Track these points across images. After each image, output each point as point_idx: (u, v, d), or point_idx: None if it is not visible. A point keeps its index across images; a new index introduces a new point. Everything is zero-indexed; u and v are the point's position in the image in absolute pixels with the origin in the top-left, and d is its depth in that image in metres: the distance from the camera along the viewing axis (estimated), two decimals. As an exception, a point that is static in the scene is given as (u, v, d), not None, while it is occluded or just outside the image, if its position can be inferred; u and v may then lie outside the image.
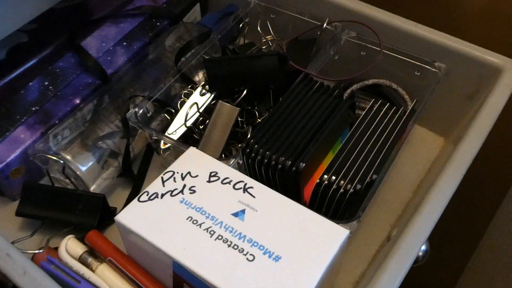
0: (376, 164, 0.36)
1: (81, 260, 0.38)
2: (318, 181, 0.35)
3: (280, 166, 0.36)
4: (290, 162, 0.36)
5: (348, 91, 0.49)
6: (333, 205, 0.36)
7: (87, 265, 0.37)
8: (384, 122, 0.40)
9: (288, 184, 0.37)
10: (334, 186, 0.35)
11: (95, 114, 0.47)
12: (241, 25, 0.53)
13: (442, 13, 0.59)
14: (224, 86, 0.47)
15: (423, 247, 0.45)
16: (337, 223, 0.33)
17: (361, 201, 0.36)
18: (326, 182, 0.35)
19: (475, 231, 0.71)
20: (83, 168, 0.44)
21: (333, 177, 0.35)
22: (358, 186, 0.35)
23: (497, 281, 0.68)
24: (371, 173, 0.36)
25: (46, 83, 0.49)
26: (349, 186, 0.35)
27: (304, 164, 0.35)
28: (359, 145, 0.38)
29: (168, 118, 0.48)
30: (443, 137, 0.52)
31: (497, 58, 0.45)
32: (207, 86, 0.48)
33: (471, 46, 0.46)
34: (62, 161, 0.43)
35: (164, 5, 0.58)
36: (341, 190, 0.35)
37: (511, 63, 0.45)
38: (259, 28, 0.53)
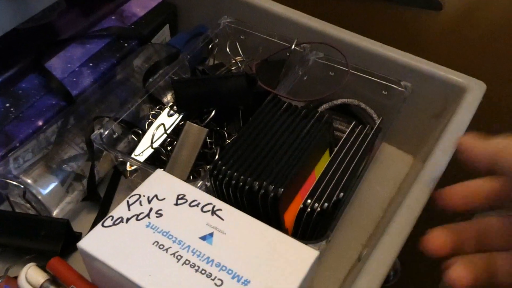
0: (343, 182, 0.36)
1: (42, 289, 0.36)
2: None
3: (247, 187, 0.35)
4: (267, 185, 0.35)
5: (321, 109, 0.49)
6: (301, 225, 0.35)
7: (49, 295, 0.35)
8: (351, 140, 0.40)
9: (258, 206, 0.36)
10: (301, 206, 0.34)
11: (59, 136, 0.45)
12: (210, 46, 0.53)
13: (407, 34, 0.60)
14: (193, 106, 0.47)
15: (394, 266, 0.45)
16: (306, 243, 0.32)
17: (330, 220, 0.35)
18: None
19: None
20: (45, 192, 0.42)
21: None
22: (325, 205, 0.34)
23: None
24: (337, 191, 0.35)
25: (7, 104, 0.47)
26: (316, 205, 0.34)
27: (282, 189, 0.35)
28: (325, 164, 0.38)
29: (135, 139, 0.47)
30: (411, 155, 0.53)
31: (461, 78, 0.46)
32: (175, 107, 0.48)
33: (435, 66, 0.47)
34: (22, 186, 0.41)
35: (133, 26, 0.57)
36: (308, 210, 0.34)
37: (475, 82, 0.46)
38: (228, 49, 0.53)
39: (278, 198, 0.34)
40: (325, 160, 0.40)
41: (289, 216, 0.36)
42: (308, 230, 0.35)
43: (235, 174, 0.36)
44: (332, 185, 0.36)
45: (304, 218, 0.35)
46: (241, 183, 0.36)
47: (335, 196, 0.35)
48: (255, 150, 0.38)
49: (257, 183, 0.35)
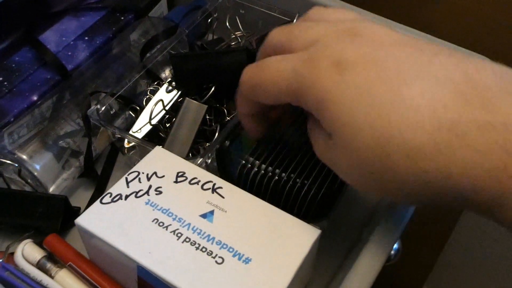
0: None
1: (39, 266, 0.36)
2: (291, 183, 0.34)
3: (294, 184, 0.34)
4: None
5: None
6: (304, 205, 0.35)
7: (46, 271, 0.35)
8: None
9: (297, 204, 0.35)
10: (306, 188, 0.34)
11: (54, 111, 0.44)
12: (209, 20, 0.52)
13: (418, 12, 0.59)
14: (192, 82, 0.46)
15: (395, 246, 0.45)
16: (308, 222, 0.32)
17: (331, 200, 0.35)
18: (299, 184, 0.34)
19: (444, 227, 0.73)
20: (41, 168, 0.42)
21: (305, 180, 0.34)
22: (329, 188, 0.34)
23: (465, 275, 0.69)
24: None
25: (1, 78, 0.46)
26: (320, 187, 0.34)
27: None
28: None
29: (133, 115, 0.46)
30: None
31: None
32: (173, 83, 0.46)
33: (440, 42, 0.46)
34: (16, 165, 0.40)
35: (129, -1, 0.56)
36: (313, 191, 0.34)
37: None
38: (228, 24, 0.52)
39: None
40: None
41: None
42: (311, 210, 0.35)
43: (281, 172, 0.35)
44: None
45: (307, 200, 0.34)
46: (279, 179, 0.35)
47: (340, 178, 0.34)
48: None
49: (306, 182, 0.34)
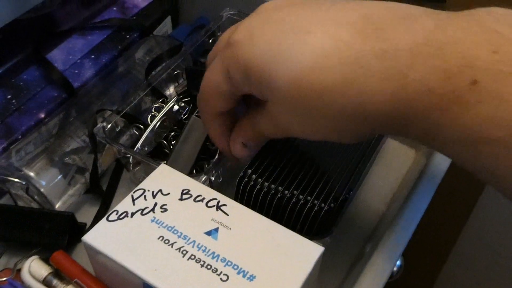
0: (351, 179, 0.36)
1: (45, 282, 0.36)
2: (294, 200, 0.35)
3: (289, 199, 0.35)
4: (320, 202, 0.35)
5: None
6: (307, 222, 0.35)
7: (52, 288, 0.35)
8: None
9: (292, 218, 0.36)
10: (309, 205, 0.34)
11: (61, 128, 0.45)
12: (211, 40, 0.53)
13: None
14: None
15: (398, 262, 0.45)
16: (311, 239, 0.32)
17: (334, 216, 0.35)
18: (303, 201, 0.35)
19: (447, 241, 0.73)
20: (47, 185, 0.42)
21: (308, 197, 0.35)
22: (332, 205, 0.34)
23: (468, 290, 0.69)
24: (345, 189, 0.35)
25: (9, 96, 0.47)
26: (323, 204, 0.34)
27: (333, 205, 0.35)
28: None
29: (137, 133, 0.47)
30: (414, 149, 0.53)
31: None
32: (179, 102, 0.47)
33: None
34: (24, 182, 0.41)
35: (134, 18, 0.57)
36: (316, 208, 0.34)
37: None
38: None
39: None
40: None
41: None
42: (314, 227, 0.35)
43: (275, 186, 0.36)
44: (339, 182, 0.36)
45: (310, 217, 0.35)
46: (279, 194, 0.35)
47: (343, 195, 0.35)
48: (283, 157, 0.38)
49: (307, 197, 0.35)
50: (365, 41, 0.25)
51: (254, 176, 0.36)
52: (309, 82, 0.26)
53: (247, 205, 0.34)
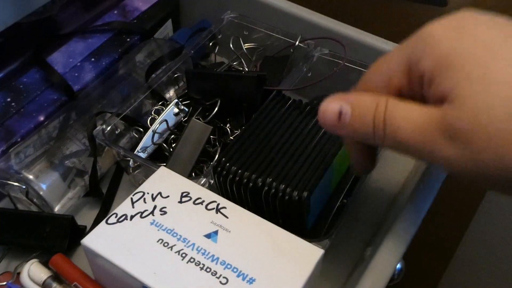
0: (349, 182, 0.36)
1: (44, 286, 0.36)
2: (266, 188, 0.35)
3: (252, 185, 0.35)
4: (291, 190, 0.34)
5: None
6: (284, 211, 0.35)
7: (51, 292, 0.35)
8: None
9: (263, 204, 0.36)
10: (280, 193, 0.34)
11: (61, 131, 0.45)
12: (211, 43, 0.53)
13: (411, 30, 0.60)
14: (202, 99, 0.47)
15: (398, 265, 0.45)
16: (310, 241, 0.32)
17: (307, 206, 0.35)
18: (274, 190, 0.35)
19: (448, 245, 0.72)
20: (46, 188, 0.42)
21: (281, 186, 0.35)
22: (305, 193, 0.34)
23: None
24: (342, 196, 0.35)
25: (9, 99, 0.47)
26: (295, 193, 0.34)
27: (306, 193, 0.34)
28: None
29: (137, 136, 0.47)
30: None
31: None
32: (179, 105, 0.47)
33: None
34: (23, 186, 0.41)
35: (135, 21, 0.57)
36: (286, 197, 0.34)
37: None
38: (231, 45, 0.53)
39: (303, 201, 0.34)
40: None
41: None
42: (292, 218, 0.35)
43: (242, 171, 0.36)
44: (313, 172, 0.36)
45: (284, 206, 0.34)
46: (251, 183, 0.35)
47: (339, 202, 0.35)
48: (261, 146, 0.37)
49: (282, 186, 0.34)
50: None
51: (228, 165, 0.36)
52: None
53: (226, 195, 0.34)
